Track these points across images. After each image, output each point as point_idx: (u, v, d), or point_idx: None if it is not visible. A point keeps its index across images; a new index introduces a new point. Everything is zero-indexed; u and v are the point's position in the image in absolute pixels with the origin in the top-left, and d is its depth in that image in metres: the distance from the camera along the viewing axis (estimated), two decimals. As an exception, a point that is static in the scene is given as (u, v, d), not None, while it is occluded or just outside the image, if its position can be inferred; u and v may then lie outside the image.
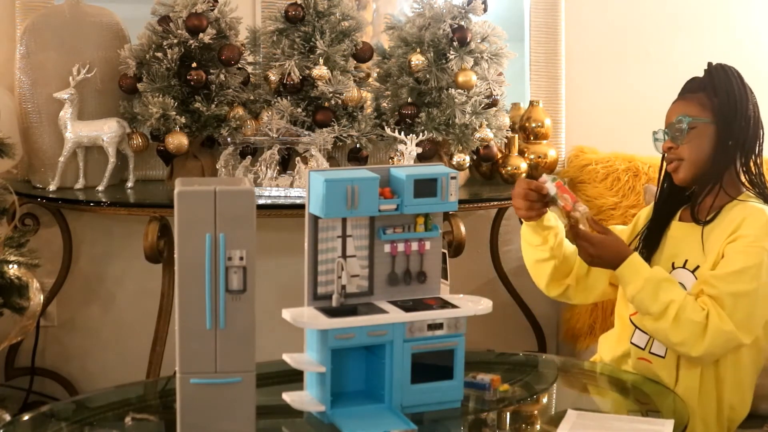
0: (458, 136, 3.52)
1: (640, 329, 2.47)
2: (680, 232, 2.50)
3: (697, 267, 2.42)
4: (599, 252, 2.39)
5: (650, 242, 2.53)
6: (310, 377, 2.12)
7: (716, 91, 2.46)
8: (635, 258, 2.39)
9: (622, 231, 2.67)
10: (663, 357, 2.45)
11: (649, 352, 2.47)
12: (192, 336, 1.95)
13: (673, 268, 2.45)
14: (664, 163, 2.54)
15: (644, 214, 2.67)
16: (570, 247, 2.58)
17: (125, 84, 3.49)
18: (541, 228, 2.52)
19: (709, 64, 2.56)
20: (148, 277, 3.59)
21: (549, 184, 2.44)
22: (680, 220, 2.53)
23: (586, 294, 2.64)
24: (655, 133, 2.54)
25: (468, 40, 3.51)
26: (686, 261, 2.44)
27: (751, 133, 2.46)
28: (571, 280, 2.61)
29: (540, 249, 2.56)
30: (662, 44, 4.01)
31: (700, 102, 2.47)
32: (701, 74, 2.55)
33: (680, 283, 2.41)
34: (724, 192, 2.44)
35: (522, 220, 2.53)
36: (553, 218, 2.55)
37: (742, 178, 2.47)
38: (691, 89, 2.52)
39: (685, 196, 2.55)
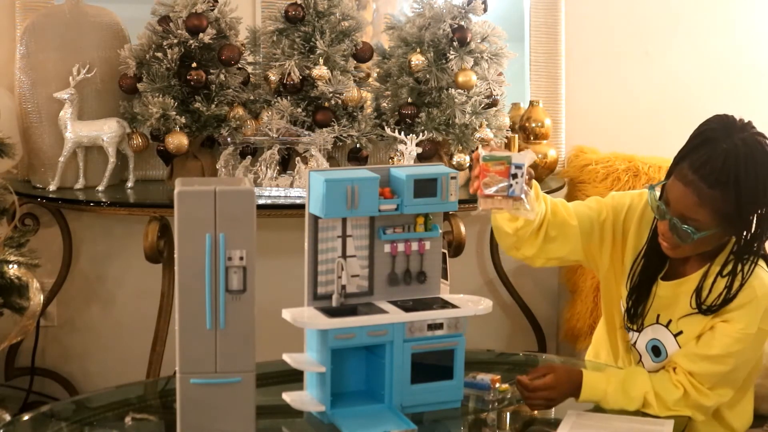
0: (458, 136, 3.52)
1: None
2: (666, 292, 2.38)
3: (680, 332, 2.35)
4: (559, 392, 2.25)
5: (640, 296, 2.40)
6: (310, 377, 2.12)
7: (738, 199, 2.18)
8: (588, 378, 2.27)
9: (587, 209, 2.43)
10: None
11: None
12: (192, 336, 1.95)
13: (657, 321, 2.41)
14: (656, 225, 2.34)
15: (627, 211, 2.43)
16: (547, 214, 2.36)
17: (125, 84, 3.48)
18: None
19: (730, 139, 2.19)
20: (148, 277, 3.59)
21: (481, 156, 2.16)
22: (665, 278, 2.39)
23: (547, 262, 2.43)
24: (652, 191, 2.28)
25: (468, 40, 3.51)
26: (669, 321, 2.37)
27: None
28: (534, 250, 2.39)
29: (509, 235, 2.37)
30: (662, 44, 4.01)
31: (714, 207, 2.20)
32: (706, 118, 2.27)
33: (657, 339, 2.38)
34: (708, 254, 2.33)
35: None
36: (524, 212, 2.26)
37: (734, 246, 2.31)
38: (707, 180, 2.18)
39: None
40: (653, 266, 2.40)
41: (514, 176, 2.13)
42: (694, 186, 2.20)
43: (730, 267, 2.29)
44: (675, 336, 2.36)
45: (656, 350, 2.39)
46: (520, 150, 2.12)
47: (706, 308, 2.30)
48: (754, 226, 2.25)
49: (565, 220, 2.40)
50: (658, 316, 2.39)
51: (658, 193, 2.30)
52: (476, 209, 2.17)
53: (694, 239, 2.23)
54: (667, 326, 2.37)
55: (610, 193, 2.51)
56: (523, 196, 2.13)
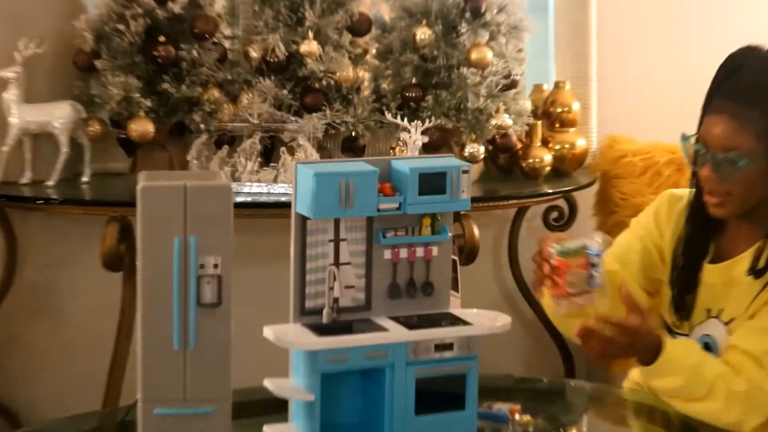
0: (471, 122, 3.51)
1: None
2: (714, 278, 2.41)
3: (732, 319, 2.38)
4: (634, 345, 2.26)
5: (687, 287, 2.43)
6: (297, 407, 2.11)
7: None
8: (672, 345, 2.30)
9: (626, 251, 2.55)
10: None
11: None
12: (157, 358, 1.94)
13: (708, 317, 2.42)
14: (696, 188, 2.41)
15: (655, 217, 2.53)
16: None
17: (81, 61, 3.48)
18: None
19: (757, 58, 2.34)
20: (106, 287, 3.58)
21: (552, 252, 2.20)
22: (713, 261, 2.43)
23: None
24: (686, 141, 2.37)
25: (483, 10, 3.51)
26: (721, 311, 2.39)
27: None
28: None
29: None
30: (709, 13, 4.00)
31: (756, 129, 2.28)
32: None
33: (707, 334, 2.40)
34: (761, 226, 2.38)
35: None
36: None
37: None
38: (743, 99, 2.30)
39: (713, 229, 2.44)
40: (696, 247, 2.43)
41: (593, 266, 2.18)
42: (729, 111, 2.29)
43: None
44: (727, 324, 2.37)
45: (707, 348, 2.39)
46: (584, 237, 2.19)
47: (759, 269, 2.33)
48: None
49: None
50: (709, 310, 2.40)
51: (693, 140, 2.36)
52: (557, 307, 2.22)
53: (741, 169, 2.28)
54: (718, 317, 2.38)
55: (633, 220, 2.58)
56: (601, 285, 2.19)
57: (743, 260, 2.38)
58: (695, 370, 2.30)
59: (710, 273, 2.42)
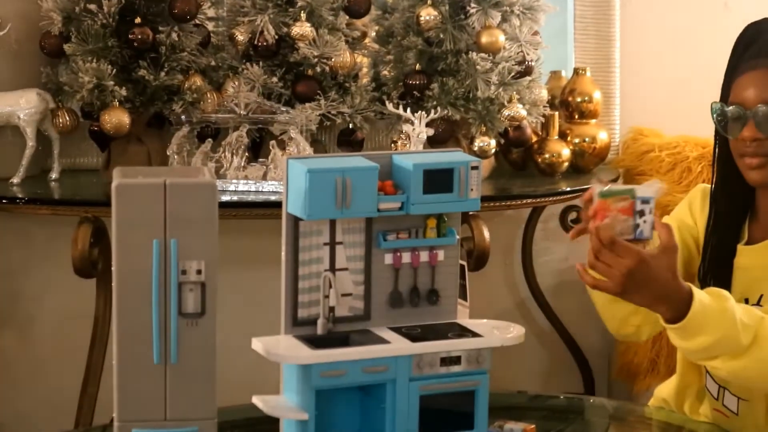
0: (481, 113, 3.52)
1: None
2: (750, 259, 2.43)
3: None
4: (649, 275, 2.17)
5: (721, 273, 2.44)
6: (289, 426, 2.12)
7: None
8: (701, 294, 2.25)
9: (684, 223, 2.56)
10: (736, 414, 2.45)
11: (722, 405, 2.48)
12: (134, 373, 1.95)
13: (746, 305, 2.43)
14: (729, 156, 2.44)
15: (689, 210, 2.56)
16: None
17: (48, 45, 3.48)
18: None
19: None
20: (78, 295, 3.59)
21: (596, 192, 2.18)
22: (747, 242, 2.45)
23: (655, 326, 2.59)
24: (720, 108, 2.44)
25: (494, -12, 3.52)
26: (761, 297, 2.40)
27: None
28: (640, 318, 2.51)
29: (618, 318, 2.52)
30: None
31: None
32: None
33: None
34: None
35: None
36: None
37: None
38: None
39: (745, 208, 2.47)
40: (727, 227, 2.46)
41: (641, 213, 2.16)
42: (763, 66, 2.38)
43: None
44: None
45: None
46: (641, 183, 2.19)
47: None
48: None
49: None
50: (747, 300, 2.41)
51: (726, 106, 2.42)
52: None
53: None
54: (758, 303, 2.39)
55: (666, 217, 2.57)
56: (652, 237, 2.17)
57: None
58: (733, 316, 2.23)
59: (746, 255, 2.44)
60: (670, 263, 2.21)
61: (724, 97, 2.45)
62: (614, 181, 3.80)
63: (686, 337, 2.25)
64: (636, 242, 2.16)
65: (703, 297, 2.24)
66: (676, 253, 2.22)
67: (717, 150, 2.50)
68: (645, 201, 2.16)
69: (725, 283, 2.43)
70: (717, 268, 2.46)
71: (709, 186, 2.54)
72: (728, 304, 2.26)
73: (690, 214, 2.57)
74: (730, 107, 2.42)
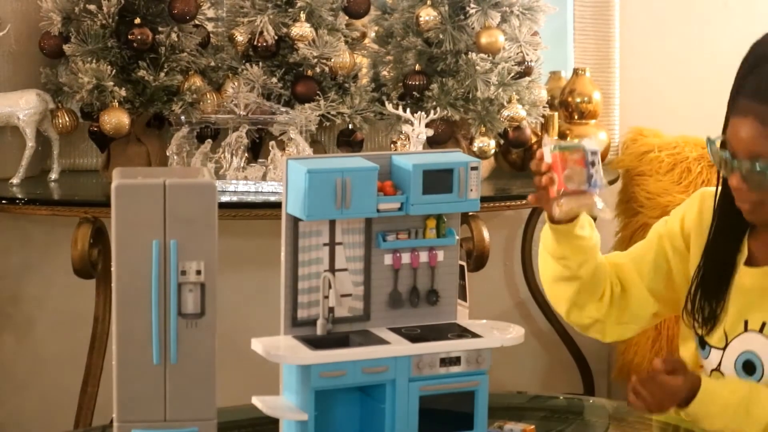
0: (480, 114, 3.52)
1: None
2: (752, 281, 2.40)
3: None
4: (670, 400, 2.30)
5: (714, 292, 2.43)
6: (288, 427, 2.13)
7: None
8: (708, 384, 2.31)
9: (641, 250, 2.58)
10: None
11: None
12: (134, 373, 1.95)
13: (746, 329, 2.41)
14: (722, 189, 2.41)
15: (681, 220, 2.53)
16: (602, 264, 2.52)
17: (48, 45, 3.48)
18: (568, 235, 2.44)
19: None
20: (78, 296, 3.59)
21: (546, 151, 2.28)
22: (749, 263, 2.42)
23: (623, 329, 2.61)
24: (712, 145, 2.35)
25: (493, -11, 3.52)
26: (764, 324, 2.37)
27: None
28: (601, 312, 2.55)
29: (561, 264, 2.49)
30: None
31: None
32: None
33: (749, 351, 2.39)
34: None
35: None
36: (588, 224, 2.46)
37: None
38: (765, 98, 2.28)
39: (746, 226, 2.44)
40: (728, 246, 2.43)
41: (592, 164, 2.26)
42: (754, 113, 2.27)
43: None
44: None
45: (749, 366, 2.39)
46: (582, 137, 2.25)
47: None
48: None
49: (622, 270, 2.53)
50: (746, 322, 2.40)
51: (719, 144, 2.35)
52: (555, 209, 2.28)
53: None
54: (761, 331, 2.38)
55: (660, 220, 2.59)
56: (602, 187, 2.26)
57: None
58: (741, 407, 2.29)
59: (748, 276, 2.41)
60: (687, 378, 2.31)
61: (725, 126, 2.37)
62: (613, 182, 3.81)
63: (697, 420, 2.33)
64: (591, 192, 2.26)
65: (710, 388, 2.31)
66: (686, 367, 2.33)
67: (718, 189, 2.45)
68: (593, 152, 2.26)
69: (719, 300, 2.42)
70: (715, 285, 2.43)
71: (710, 190, 2.52)
72: (733, 398, 2.30)
73: (680, 224, 2.53)
74: (722, 151, 2.34)
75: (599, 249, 2.52)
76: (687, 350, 2.54)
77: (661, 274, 2.53)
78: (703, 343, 2.46)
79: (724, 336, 2.42)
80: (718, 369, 2.44)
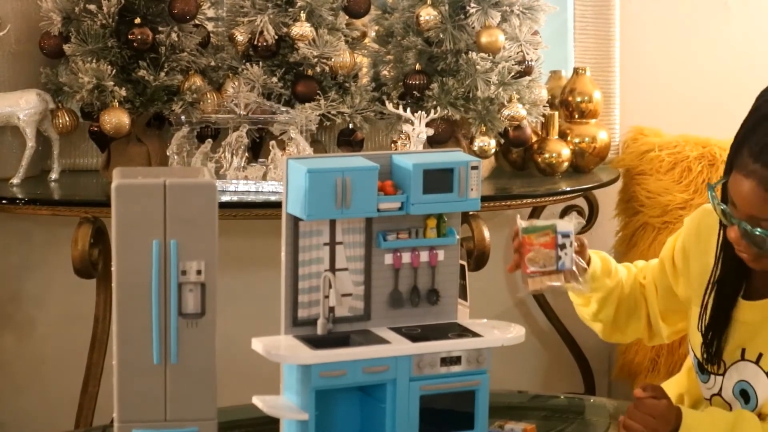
0: (481, 113, 3.52)
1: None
2: (752, 315, 2.39)
3: None
4: (656, 427, 2.30)
5: (718, 325, 2.42)
6: (289, 427, 2.13)
7: None
8: (690, 419, 2.32)
9: (656, 267, 2.58)
10: None
11: None
12: (134, 373, 1.95)
13: (742, 357, 2.42)
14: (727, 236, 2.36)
15: (680, 245, 2.53)
16: (628, 280, 2.55)
17: (48, 45, 3.48)
18: (576, 291, 2.45)
19: None
20: (78, 296, 3.59)
21: (520, 228, 2.34)
22: (747, 297, 2.41)
23: (660, 333, 2.62)
24: (712, 192, 2.31)
25: (494, -12, 3.52)
26: (760, 356, 2.37)
27: None
28: (639, 332, 2.60)
29: (585, 309, 2.56)
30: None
31: None
32: None
33: (744, 380, 2.39)
34: None
35: None
36: (596, 275, 2.46)
37: None
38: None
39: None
40: (728, 283, 2.41)
41: (562, 246, 2.30)
42: (757, 177, 2.20)
43: None
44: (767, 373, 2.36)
45: (745, 395, 2.39)
46: (563, 217, 2.32)
47: None
48: None
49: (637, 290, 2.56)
50: (744, 350, 2.40)
51: (719, 194, 2.31)
52: (523, 285, 2.34)
53: (765, 236, 2.22)
54: (757, 362, 2.37)
55: (669, 239, 2.60)
56: (573, 267, 2.31)
57: None
58: None
59: (745, 310, 2.40)
60: (670, 402, 2.34)
61: (727, 170, 2.30)
62: (614, 181, 3.81)
63: None
64: (558, 272, 2.31)
65: (693, 423, 2.32)
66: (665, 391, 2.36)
67: (721, 235, 2.40)
68: (565, 235, 2.31)
69: (723, 335, 2.41)
70: (716, 323, 2.42)
71: (708, 207, 2.45)
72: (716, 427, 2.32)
73: (680, 246, 2.52)
74: (722, 205, 2.30)
75: (621, 282, 2.54)
76: (691, 373, 2.55)
77: (666, 298, 2.56)
78: (702, 369, 2.46)
79: (723, 363, 2.42)
80: (719, 394, 2.45)
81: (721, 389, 2.43)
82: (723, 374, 2.42)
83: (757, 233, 2.23)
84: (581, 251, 2.37)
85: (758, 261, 2.30)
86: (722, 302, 2.41)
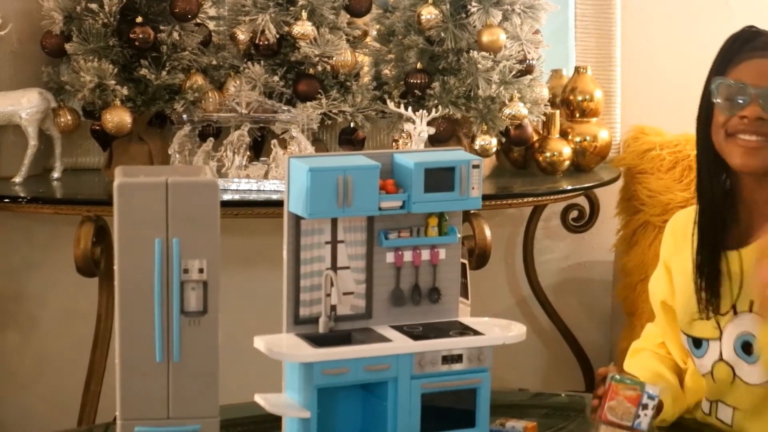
0: (482, 112, 3.52)
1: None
2: (737, 265, 2.43)
3: None
4: None
5: (713, 279, 2.46)
6: (291, 424, 2.13)
7: None
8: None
9: (658, 279, 2.60)
10: (731, 426, 2.46)
11: (717, 418, 2.49)
12: (137, 371, 1.95)
13: (735, 313, 2.43)
14: (710, 169, 2.45)
15: (675, 247, 2.56)
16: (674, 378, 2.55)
17: (50, 44, 3.49)
18: None
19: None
20: (81, 295, 3.60)
21: (610, 375, 2.35)
22: (731, 248, 2.45)
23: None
24: (724, 82, 2.44)
25: (495, -13, 3.52)
26: (752, 303, 2.39)
27: None
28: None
29: None
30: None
31: None
32: None
33: (747, 332, 2.41)
34: None
35: None
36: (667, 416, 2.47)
37: None
38: None
39: (727, 209, 2.47)
40: (713, 231, 2.45)
41: (644, 407, 2.30)
42: None
43: None
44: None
45: (748, 347, 2.41)
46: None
47: None
48: None
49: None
50: (735, 306, 2.42)
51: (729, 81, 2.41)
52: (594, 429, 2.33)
53: None
54: (750, 310, 2.40)
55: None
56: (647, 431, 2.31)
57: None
58: None
59: (733, 260, 2.43)
60: None
61: (722, 67, 2.47)
62: (615, 180, 3.81)
63: None
64: (631, 430, 2.29)
65: None
66: None
67: (705, 150, 2.47)
68: (651, 397, 2.30)
69: (716, 285, 2.44)
70: (708, 273, 2.45)
71: (679, 212, 2.55)
72: None
73: (662, 260, 2.59)
74: (740, 83, 2.40)
75: (680, 402, 2.53)
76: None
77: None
78: (697, 343, 2.47)
79: (717, 325, 2.44)
80: (720, 359, 2.45)
81: (721, 353, 2.44)
82: (720, 338, 2.44)
83: None
84: (656, 415, 2.34)
85: (759, 151, 2.36)
86: (714, 250, 2.45)
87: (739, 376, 2.43)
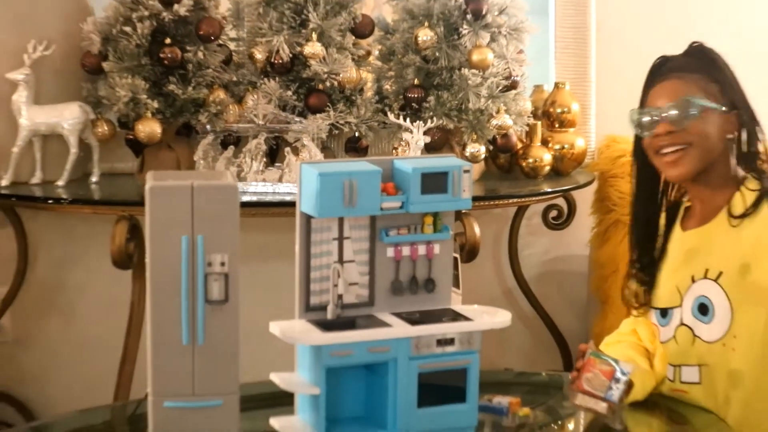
0: (472, 123, 3.52)
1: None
2: (694, 242, 2.49)
3: (720, 273, 2.42)
4: None
5: (651, 250, 2.54)
6: (302, 400, 2.13)
7: (719, 75, 2.47)
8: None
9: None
10: (699, 383, 2.46)
11: (681, 382, 2.48)
12: (166, 353, 1.96)
13: (693, 281, 2.45)
14: (644, 155, 2.52)
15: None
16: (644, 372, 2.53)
17: (89, 63, 3.49)
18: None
19: (694, 44, 2.58)
20: (116, 285, 3.60)
21: (589, 350, 2.37)
22: (685, 228, 2.52)
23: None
24: (635, 112, 2.51)
25: (484, 12, 3.52)
26: (707, 271, 2.44)
27: (753, 120, 2.49)
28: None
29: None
30: (712, 15, 4.00)
31: (700, 87, 2.46)
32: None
33: (703, 296, 2.43)
34: (723, 184, 2.47)
35: None
36: (637, 391, 2.43)
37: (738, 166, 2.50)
38: (682, 69, 2.50)
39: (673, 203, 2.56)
40: (651, 213, 2.55)
41: (617, 380, 2.32)
42: (674, 76, 2.48)
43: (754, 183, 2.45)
44: (716, 280, 2.42)
45: (703, 308, 2.43)
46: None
47: (738, 215, 2.41)
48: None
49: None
50: (693, 276, 2.46)
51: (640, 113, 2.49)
52: (571, 397, 2.34)
53: (696, 105, 2.40)
54: (705, 276, 2.44)
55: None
56: (617, 402, 2.31)
57: (720, 219, 2.45)
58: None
59: (689, 237, 2.49)
60: None
61: (642, 102, 2.54)
62: (590, 183, 3.81)
63: None
64: (604, 400, 2.30)
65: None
66: None
67: (639, 162, 2.58)
68: (623, 373, 2.31)
69: (654, 246, 2.54)
70: (649, 248, 2.55)
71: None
72: None
73: None
74: (646, 109, 2.49)
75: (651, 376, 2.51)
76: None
77: None
78: (664, 313, 2.49)
79: (678, 292, 2.48)
80: (681, 324, 2.46)
81: (682, 317, 2.46)
82: (681, 305, 2.47)
83: (684, 99, 2.43)
84: (627, 390, 2.35)
85: (679, 162, 2.43)
86: (653, 228, 2.55)
87: (698, 335, 2.44)
